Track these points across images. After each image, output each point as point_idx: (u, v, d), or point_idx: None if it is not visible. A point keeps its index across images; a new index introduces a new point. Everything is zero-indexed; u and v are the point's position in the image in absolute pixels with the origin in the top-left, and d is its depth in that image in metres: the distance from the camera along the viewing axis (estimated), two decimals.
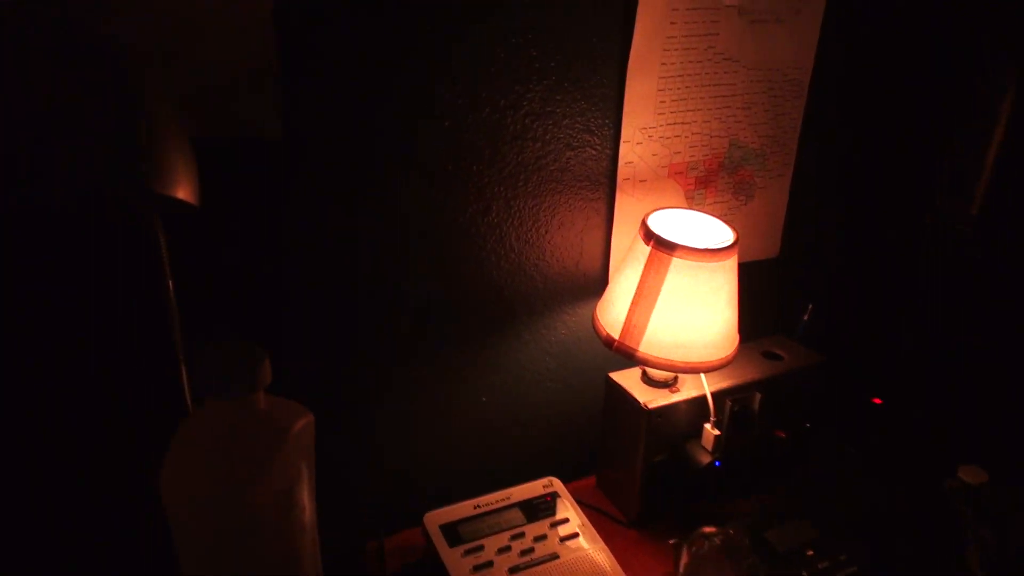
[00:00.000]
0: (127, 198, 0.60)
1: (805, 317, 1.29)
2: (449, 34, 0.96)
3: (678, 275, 1.00)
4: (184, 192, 0.57)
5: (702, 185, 1.22)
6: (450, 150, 1.02)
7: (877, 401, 1.34)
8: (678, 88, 1.12)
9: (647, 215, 1.06)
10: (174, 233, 0.77)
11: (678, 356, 1.03)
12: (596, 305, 1.13)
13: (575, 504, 1.11)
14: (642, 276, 1.03)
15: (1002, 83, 1.30)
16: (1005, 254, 1.35)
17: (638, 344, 1.04)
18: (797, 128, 1.25)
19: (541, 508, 1.10)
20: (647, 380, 1.14)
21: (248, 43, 0.84)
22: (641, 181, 1.16)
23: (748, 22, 1.13)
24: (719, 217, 1.10)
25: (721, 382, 1.13)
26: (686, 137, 1.16)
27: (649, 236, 1.02)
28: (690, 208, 1.17)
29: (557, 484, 1.14)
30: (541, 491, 1.13)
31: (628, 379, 1.15)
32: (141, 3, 0.75)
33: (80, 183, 0.49)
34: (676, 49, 1.09)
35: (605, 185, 1.14)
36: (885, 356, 1.42)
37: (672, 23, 1.07)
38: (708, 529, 0.95)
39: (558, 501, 1.11)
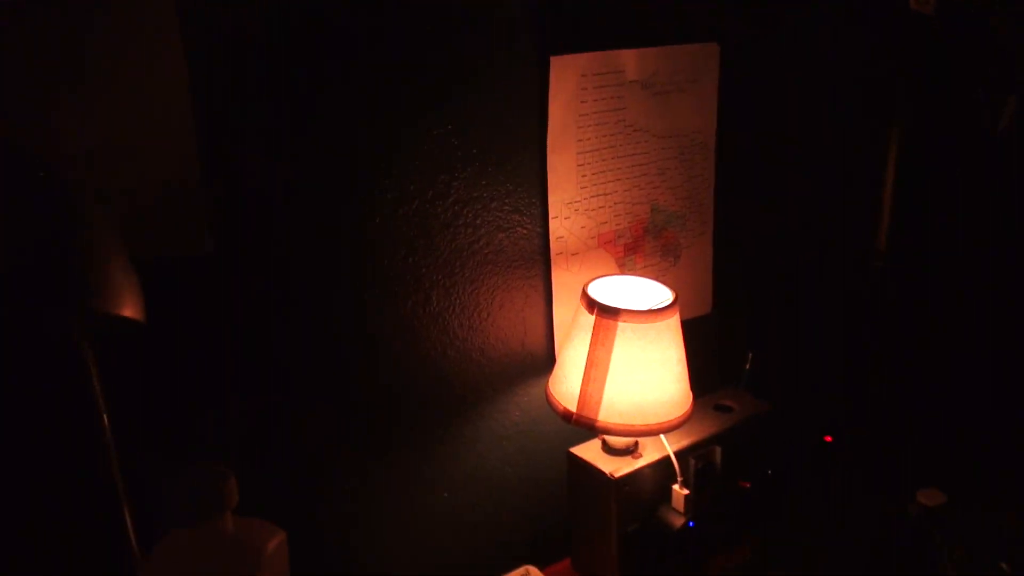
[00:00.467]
0: (62, 322, 0.56)
1: (747, 366, 1.32)
2: (371, 133, 0.97)
3: (626, 339, 1.01)
4: (130, 309, 0.54)
5: (631, 251, 1.25)
6: (384, 245, 1.01)
7: (828, 439, 1.37)
8: (596, 161, 1.16)
9: (586, 285, 1.07)
10: (113, 357, 0.73)
11: (638, 420, 1.02)
12: (548, 381, 1.13)
13: None
14: (591, 345, 1.03)
15: (886, 134, 1.41)
16: (918, 283, 1.42)
17: (597, 414, 1.03)
18: (711, 187, 1.31)
19: None
20: (608, 449, 1.13)
21: (173, 165, 0.83)
22: (573, 254, 1.18)
23: (651, 94, 1.19)
24: (652, 279, 1.12)
25: (681, 441, 1.13)
26: (610, 207, 1.20)
27: (592, 305, 1.03)
28: (623, 275, 1.19)
29: (535, 572, 1.10)
30: None
31: (590, 452, 1.13)
32: (69, 131, 0.74)
33: (23, 304, 0.46)
34: (590, 125, 1.14)
35: (540, 262, 1.16)
36: (831, 394, 1.46)
37: (583, 101, 1.12)
38: None
39: None
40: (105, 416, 0.76)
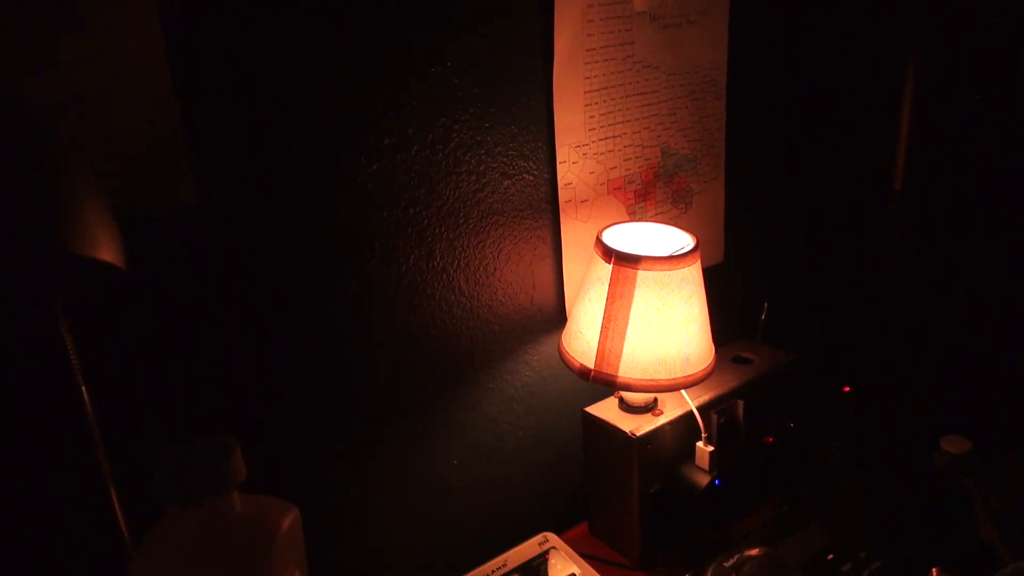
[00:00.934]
0: (31, 271, 0.48)
1: (763, 317, 1.26)
2: (364, 70, 0.88)
3: (646, 288, 0.95)
4: (107, 253, 0.46)
5: (641, 198, 1.17)
6: (382, 195, 0.93)
7: (847, 389, 1.32)
8: (604, 101, 1.08)
9: (601, 232, 1.00)
10: (96, 319, 0.65)
11: (662, 374, 0.96)
12: (560, 338, 1.06)
13: (577, 557, 1.02)
14: (608, 296, 0.96)
15: (901, 70, 1.34)
16: (935, 224, 1.37)
17: (617, 369, 0.97)
18: (722, 128, 1.24)
19: (541, 569, 1.00)
20: (625, 407, 1.07)
21: (148, 110, 0.74)
22: (583, 202, 1.10)
23: (660, 27, 1.11)
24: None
25: (702, 395, 1.07)
26: (619, 151, 1.12)
27: (608, 253, 0.96)
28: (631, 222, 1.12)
29: (553, 539, 1.04)
30: (538, 550, 1.03)
31: (607, 410, 1.07)
32: (46, 82, 0.65)
33: None
34: (597, 61, 1.06)
35: (548, 211, 1.08)
36: (847, 344, 1.41)
37: (589, 35, 1.04)
38: (751, 552, 0.87)
39: (558, 557, 1.01)
40: (84, 387, 0.68)
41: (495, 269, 1.05)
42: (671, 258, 0.95)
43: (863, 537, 1.02)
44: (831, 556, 0.99)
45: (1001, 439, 1.22)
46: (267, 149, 0.84)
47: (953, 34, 1.32)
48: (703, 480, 1.03)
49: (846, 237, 1.45)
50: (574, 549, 1.04)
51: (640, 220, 1.17)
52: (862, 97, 1.39)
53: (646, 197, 1.18)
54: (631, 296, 0.95)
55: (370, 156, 0.91)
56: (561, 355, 1.04)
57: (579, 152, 1.08)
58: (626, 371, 0.96)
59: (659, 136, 1.17)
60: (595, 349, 0.97)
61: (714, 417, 1.07)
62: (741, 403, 1.10)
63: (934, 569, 0.96)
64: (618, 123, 1.11)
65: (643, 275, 0.94)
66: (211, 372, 0.85)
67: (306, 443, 0.94)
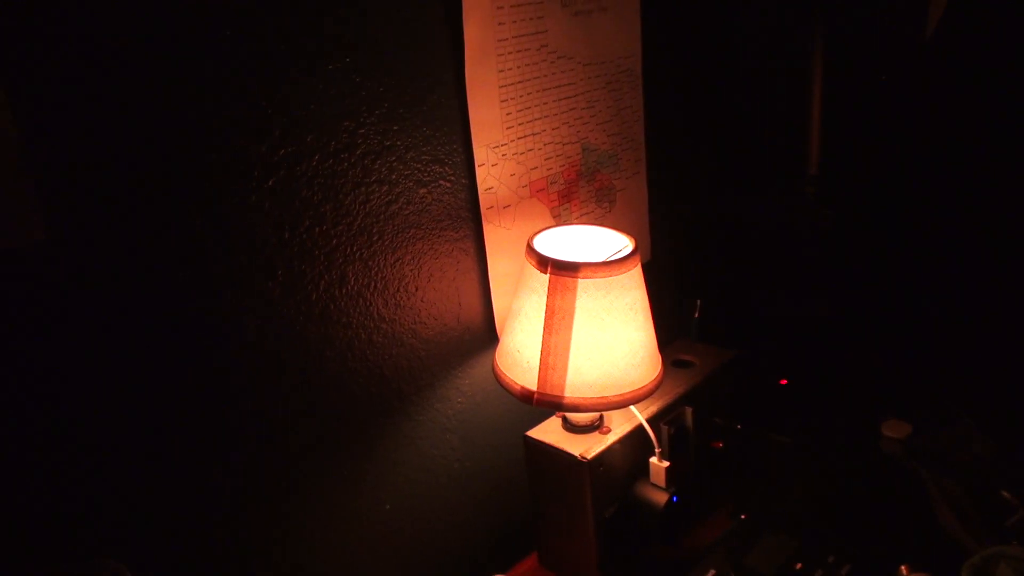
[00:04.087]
0: None
1: (696, 315, 1.20)
2: (248, 72, 0.75)
3: (589, 298, 0.86)
4: None
5: (565, 199, 1.09)
6: (280, 215, 0.80)
7: (784, 382, 1.28)
8: (520, 96, 0.99)
9: (531, 239, 0.91)
10: None
11: (611, 391, 0.88)
12: (494, 359, 0.96)
13: None
14: (547, 310, 0.87)
15: (809, 48, 1.31)
16: (854, 207, 1.35)
17: (563, 390, 0.87)
18: (641, 120, 1.17)
19: None
20: (569, 427, 0.98)
21: None
22: (505, 207, 1.01)
23: (572, 13, 1.03)
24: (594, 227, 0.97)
25: (650, 406, 1.00)
26: (539, 149, 1.03)
27: (544, 262, 0.87)
28: (560, 226, 1.03)
29: None
30: None
31: (550, 433, 0.98)
32: None
33: None
34: (510, 52, 0.96)
35: (468, 220, 0.98)
36: (779, 335, 1.37)
37: (500, 23, 0.94)
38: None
39: None
40: None
41: (416, 289, 0.94)
42: (612, 263, 0.86)
43: (828, 540, 0.97)
44: (799, 565, 0.94)
45: (938, 415, 1.21)
46: (132, 167, 0.69)
47: (856, 12, 1.31)
48: (661, 499, 0.95)
49: (769, 224, 1.42)
50: None
51: (566, 223, 1.09)
52: (774, 81, 1.36)
53: (570, 198, 1.10)
54: (572, 308, 0.86)
55: (264, 170, 0.78)
56: (498, 378, 0.94)
57: (497, 153, 0.98)
58: (573, 391, 0.87)
59: (578, 132, 1.09)
60: (536, 369, 0.88)
61: (665, 429, 0.99)
62: (689, 410, 1.03)
63: (903, 567, 0.92)
64: (536, 119, 1.02)
65: (584, 284, 0.85)
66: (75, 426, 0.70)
67: (216, 500, 0.80)
